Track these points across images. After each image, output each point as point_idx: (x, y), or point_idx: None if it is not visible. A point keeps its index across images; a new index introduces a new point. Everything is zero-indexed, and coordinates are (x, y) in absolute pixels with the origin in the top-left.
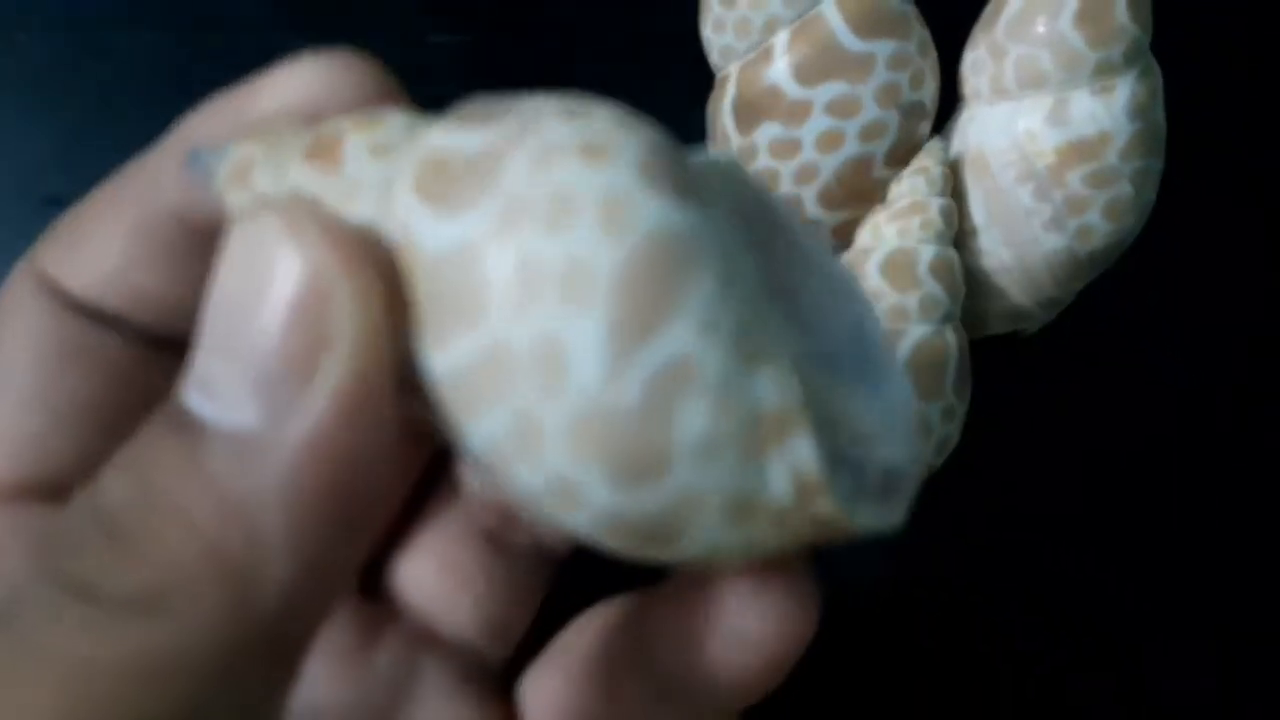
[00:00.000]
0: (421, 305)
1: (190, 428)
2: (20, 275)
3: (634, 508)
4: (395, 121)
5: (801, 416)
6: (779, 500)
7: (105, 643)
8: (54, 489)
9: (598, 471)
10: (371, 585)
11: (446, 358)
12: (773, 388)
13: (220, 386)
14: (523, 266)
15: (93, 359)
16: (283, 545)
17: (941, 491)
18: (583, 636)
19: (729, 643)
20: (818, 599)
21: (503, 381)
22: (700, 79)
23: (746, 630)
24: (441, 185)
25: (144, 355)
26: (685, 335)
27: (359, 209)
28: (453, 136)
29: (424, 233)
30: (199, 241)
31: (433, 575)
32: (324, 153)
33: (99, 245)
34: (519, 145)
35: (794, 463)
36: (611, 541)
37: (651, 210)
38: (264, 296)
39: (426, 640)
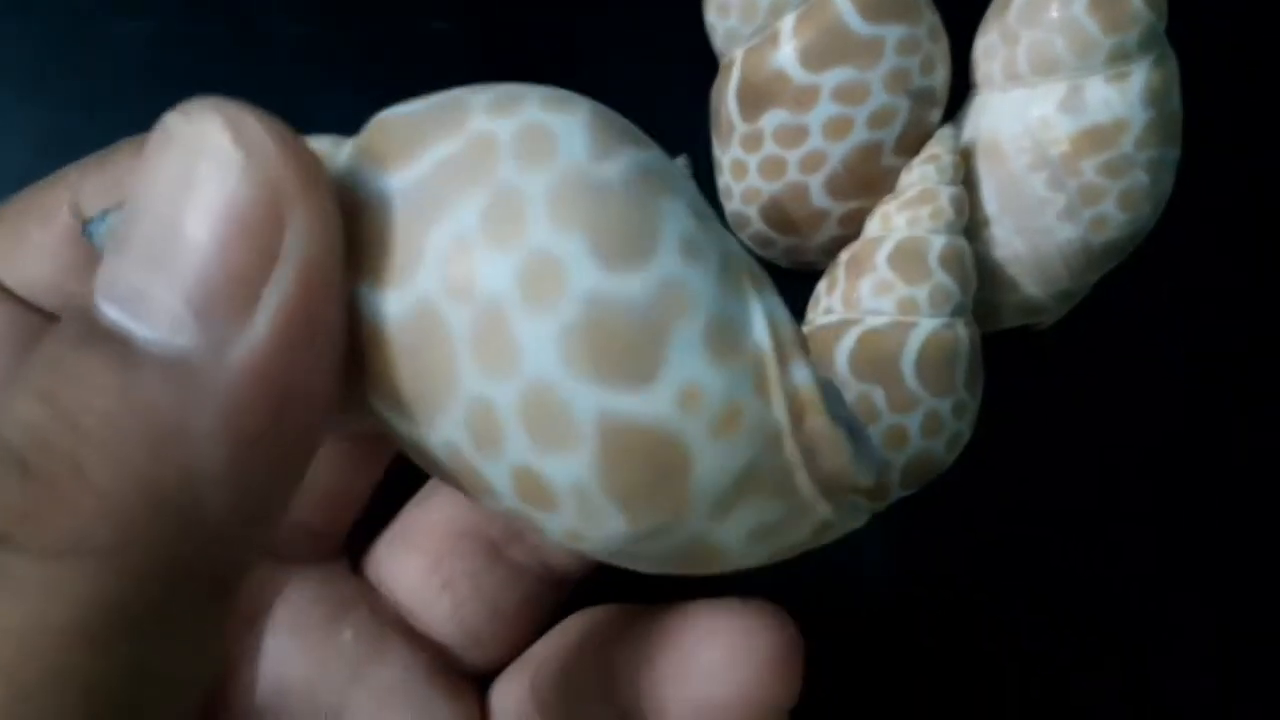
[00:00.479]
0: (387, 151)
1: (108, 345)
2: None
3: (618, 293)
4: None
5: (770, 284)
6: (759, 346)
7: (34, 604)
8: None
9: (582, 240)
10: (352, 563)
11: (416, 169)
12: (741, 250)
13: (150, 303)
14: (503, 94)
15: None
16: (222, 480)
17: (952, 487)
18: (549, 649)
19: (691, 678)
20: (800, 652)
21: (483, 164)
22: (704, 64)
23: (713, 665)
24: (414, 102)
25: None
26: (661, 161)
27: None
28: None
29: (396, 110)
30: None
31: (418, 569)
32: None
33: (34, 251)
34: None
35: (771, 311)
36: (587, 361)
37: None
38: (203, 205)
39: (398, 628)
